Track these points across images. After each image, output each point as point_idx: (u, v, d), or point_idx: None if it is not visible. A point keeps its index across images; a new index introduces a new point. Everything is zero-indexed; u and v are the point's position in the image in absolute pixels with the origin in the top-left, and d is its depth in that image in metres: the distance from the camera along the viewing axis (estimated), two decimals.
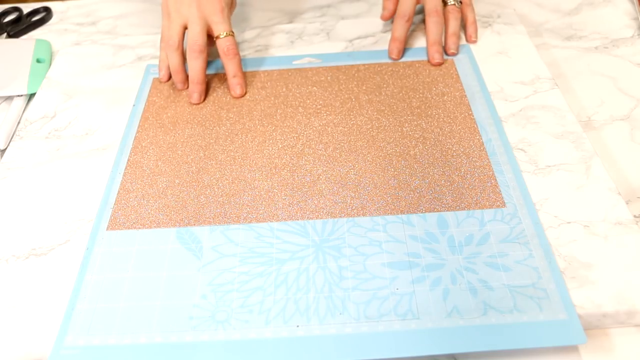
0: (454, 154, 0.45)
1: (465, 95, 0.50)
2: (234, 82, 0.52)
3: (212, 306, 0.36)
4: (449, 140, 0.46)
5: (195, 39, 0.51)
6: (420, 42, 0.57)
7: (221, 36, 0.52)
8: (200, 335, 0.35)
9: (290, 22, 0.63)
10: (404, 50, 0.55)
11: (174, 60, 0.52)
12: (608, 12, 0.61)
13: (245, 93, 0.53)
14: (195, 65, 0.51)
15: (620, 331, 0.35)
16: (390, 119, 0.48)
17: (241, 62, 0.53)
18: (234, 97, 0.52)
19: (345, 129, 0.48)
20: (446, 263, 0.37)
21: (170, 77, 0.54)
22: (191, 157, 0.46)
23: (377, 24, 0.60)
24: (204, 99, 0.52)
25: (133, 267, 0.38)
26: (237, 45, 0.53)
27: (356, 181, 0.43)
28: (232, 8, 0.56)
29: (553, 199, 0.41)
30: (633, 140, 0.46)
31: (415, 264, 0.37)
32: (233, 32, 0.52)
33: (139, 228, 0.41)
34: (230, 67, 0.52)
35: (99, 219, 0.42)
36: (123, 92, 0.54)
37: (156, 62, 0.57)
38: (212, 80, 0.54)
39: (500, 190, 0.41)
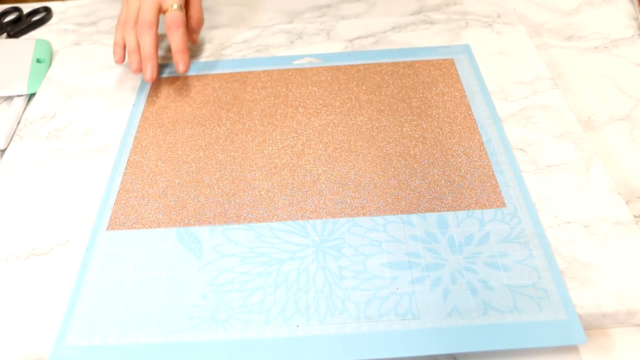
0: (454, 154, 0.45)
1: (465, 95, 0.50)
2: (177, 57, 0.52)
3: (212, 306, 0.36)
4: (449, 140, 0.46)
5: (143, 16, 0.51)
6: (420, 41, 0.57)
7: (169, 10, 0.52)
8: (200, 335, 0.35)
9: (290, 22, 0.63)
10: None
11: (131, 40, 0.52)
12: (608, 12, 0.61)
13: (188, 68, 0.52)
14: (145, 41, 0.51)
15: (620, 331, 0.35)
16: (390, 119, 0.48)
17: (186, 35, 0.53)
18: (179, 73, 0.52)
19: (345, 129, 0.48)
20: (446, 263, 0.37)
21: (124, 58, 0.54)
22: (191, 157, 0.46)
23: (377, 24, 0.60)
24: (157, 76, 0.52)
25: (133, 267, 0.38)
26: (183, 18, 0.52)
27: (356, 181, 0.43)
28: None
29: (553, 199, 0.41)
30: (633, 140, 0.46)
31: (415, 264, 0.37)
32: (182, 7, 0.52)
33: (139, 228, 0.41)
34: (174, 40, 0.52)
35: (99, 219, 0.42)
36: (123, 92, 0.54)
37: None
38: (212, 80, 0.54)
39: (500, 190, 0.41)
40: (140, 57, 0.52)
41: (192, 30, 0.57)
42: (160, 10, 0.52)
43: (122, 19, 0.53)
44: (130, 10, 0.52)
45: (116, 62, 0.54)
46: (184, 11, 0.53)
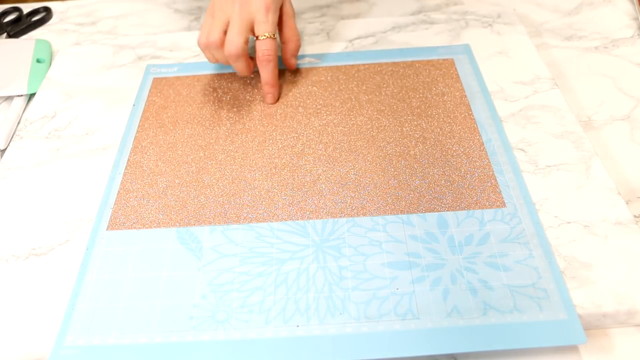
0: (454, 154, 0.45)
1: (465, 95, 0.50)
2: (266, 89, 0.50)
3: (212, 306, 0.36)
4: (449, 140, 0.46)
5: (231, 41, 0.47)
6: (420, 41, 0.57)
7: (260, 38, 0.48)
8: (200, 335, 0.35)
9: None
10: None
11: (222, 58, 0.49)
12: (608, 12, 0.61)
13: (277, 101, 0.51)
14: (240, 70, 0.49)
15: (620, 331, 0.35)
16: (390, 119, 0.48)
17: (277, 68, 0.50)
18: (266, 103, 0.51)
19: (345, 129, 0.48)
20: (446, 263, 0.37)
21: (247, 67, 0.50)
22: (191, 157, 0.46)
23: (377, 24, 0.60)
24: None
25: (133, 267, 0.38)
26: (276, 49, 0.49)
27: (356, 181, 0.43)
28: (287, 12, 0.51)
29: (553, 199, 0.41)
30: (633, 140, 0.46)
31: (415, 264, 0.37)
32: (275, 35, 0.49)
33: (139, 228, 0.41)
34: (263, 74, 0.49)
35: (99, 219, 0.42)
36: (123, 92, 0.54)
37: (156, 61, 0.57)
38: (212, 80, 0.54)
39: (500, 190, 0.41)
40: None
41: (290, 55, 0.53)
42: (252, 33, 0.49)
43: (203, 37, 0.49)
44: (214, 26, 0.48)
45: (243, 75, 0.51)
46: (277, 38, 0.50)
